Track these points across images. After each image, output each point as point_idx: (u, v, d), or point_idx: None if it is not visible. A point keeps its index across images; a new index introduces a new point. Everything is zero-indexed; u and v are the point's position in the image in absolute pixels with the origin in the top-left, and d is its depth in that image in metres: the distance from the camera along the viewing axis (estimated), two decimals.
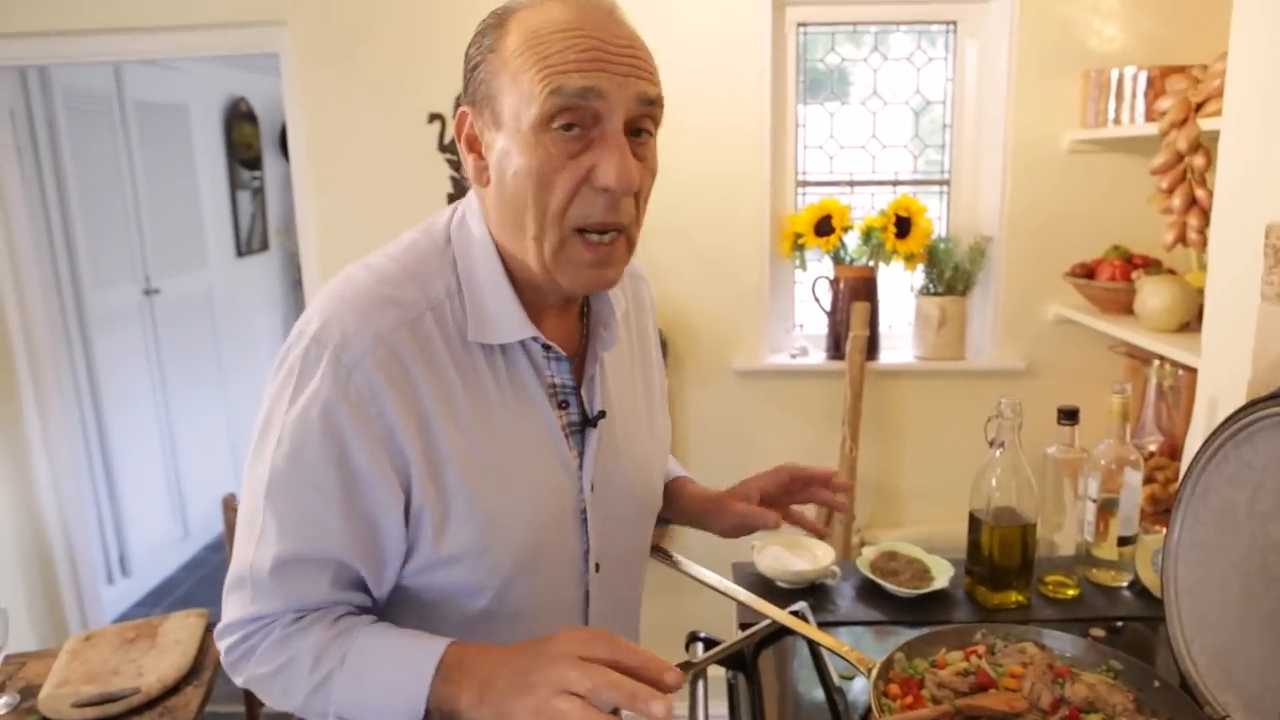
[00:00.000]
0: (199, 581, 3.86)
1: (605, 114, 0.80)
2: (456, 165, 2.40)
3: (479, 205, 0.91)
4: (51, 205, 3.21)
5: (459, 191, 2.41)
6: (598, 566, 1.00)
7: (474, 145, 0.87)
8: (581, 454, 0.96)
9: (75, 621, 3.00)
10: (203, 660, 1.71)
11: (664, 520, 1.22)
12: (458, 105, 2.41)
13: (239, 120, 4.50)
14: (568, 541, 0.96)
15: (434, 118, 2.38)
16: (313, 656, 0.84)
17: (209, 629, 1.82)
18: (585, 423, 0.96)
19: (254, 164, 4.69)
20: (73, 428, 3.26)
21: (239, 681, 0.90)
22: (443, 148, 2.39)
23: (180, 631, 1.75)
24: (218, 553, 4.04)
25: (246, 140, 4.59)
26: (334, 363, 0.82)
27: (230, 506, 1.95)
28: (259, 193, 4.76)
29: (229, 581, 0.89)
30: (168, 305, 3.86)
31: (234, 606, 0.88)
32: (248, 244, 4.63)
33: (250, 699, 1.96)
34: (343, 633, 0.85)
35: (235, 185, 4.48)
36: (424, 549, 0.87)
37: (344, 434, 0.82)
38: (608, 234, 0.84)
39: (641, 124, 0.84)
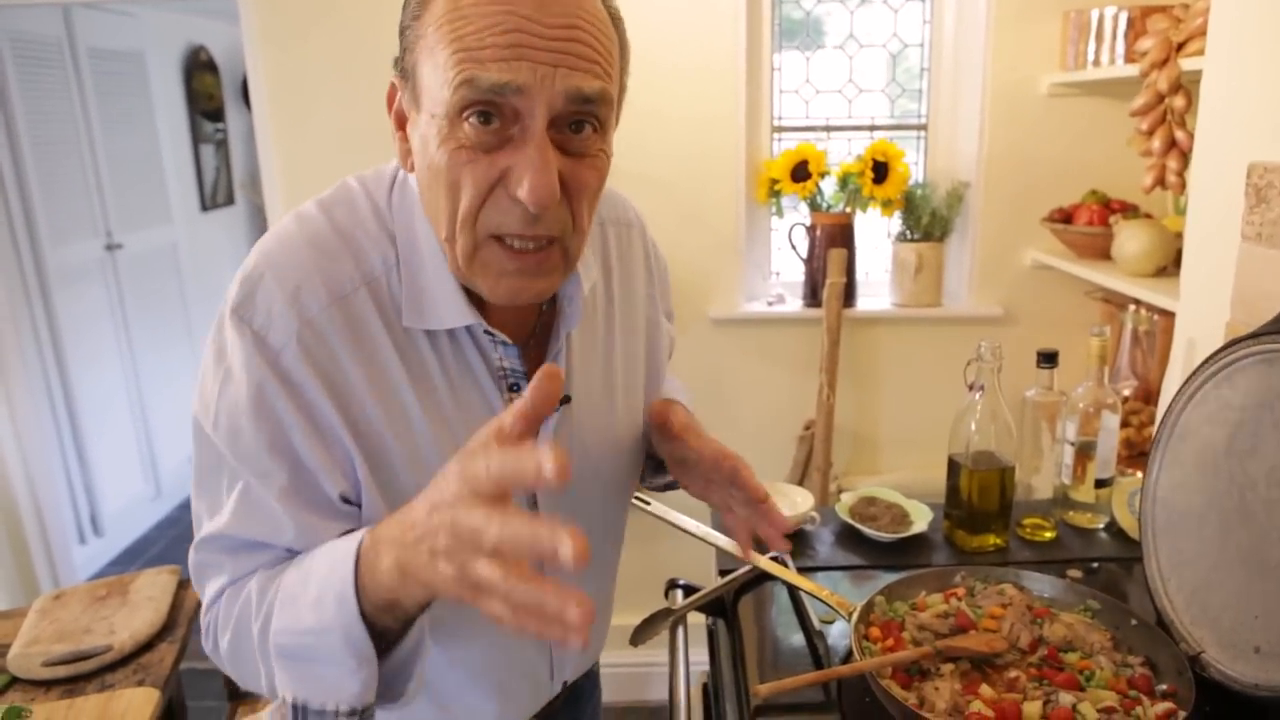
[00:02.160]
0: (172, 540, 3.83)
1: (525, 111, 0.69)
2: None
3: None
4: (3, 158, 3.11)
5: None
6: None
7: (401, 123, 0.78)
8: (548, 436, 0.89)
9: (47, 582, 2.97)
10: (176, 616, 1.69)
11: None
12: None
13: (199, 70, 4.37)
14: None
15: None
16: (254, 600, 0.76)
17: (182, 585, 1.79)
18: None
19: (216, 115, 4.57)
20: (36, 386, 3.19)
21: (226, 669, 0.83)
22: None
23: (152, 588, 1.73)
24: (190, 511, 4.00)
25: (208, 91, 4.46)
26: (259, 343, 0.75)
27: None
28: (222, 145, 4.64)
29: (196, 548, 0.82)
30: (131, 261, 3.77)
31: (204, 580, 0.83)
32: (212, 198, 4.53)
33: None
34: (279, 570, 0.77)
35: (197, 138, 4.37)
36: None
37: (279, 416, 0.75)
38: (530, 242, 0.73)
39: (579, 119, 0.72)
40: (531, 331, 0.89)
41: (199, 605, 1.74)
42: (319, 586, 0.68)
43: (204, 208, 4.44)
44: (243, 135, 4.75)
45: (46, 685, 1.48)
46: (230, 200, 4.74)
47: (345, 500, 0.79)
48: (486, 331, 0.82)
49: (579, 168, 0.73)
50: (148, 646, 1.59)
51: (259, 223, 4.86)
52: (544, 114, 0.69)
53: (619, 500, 1.03)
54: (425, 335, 0.81)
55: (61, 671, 1.49)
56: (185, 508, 4.09)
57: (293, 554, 0.78)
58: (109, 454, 3.64)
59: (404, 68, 0.74)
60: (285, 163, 2.39)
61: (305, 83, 2.34)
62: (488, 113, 0.68)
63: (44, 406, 3.26)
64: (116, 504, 3.68)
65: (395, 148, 0.79)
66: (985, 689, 0.94)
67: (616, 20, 0.76)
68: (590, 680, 1.17)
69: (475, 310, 0.80)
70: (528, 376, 0.86)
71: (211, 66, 4.49)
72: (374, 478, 0.79)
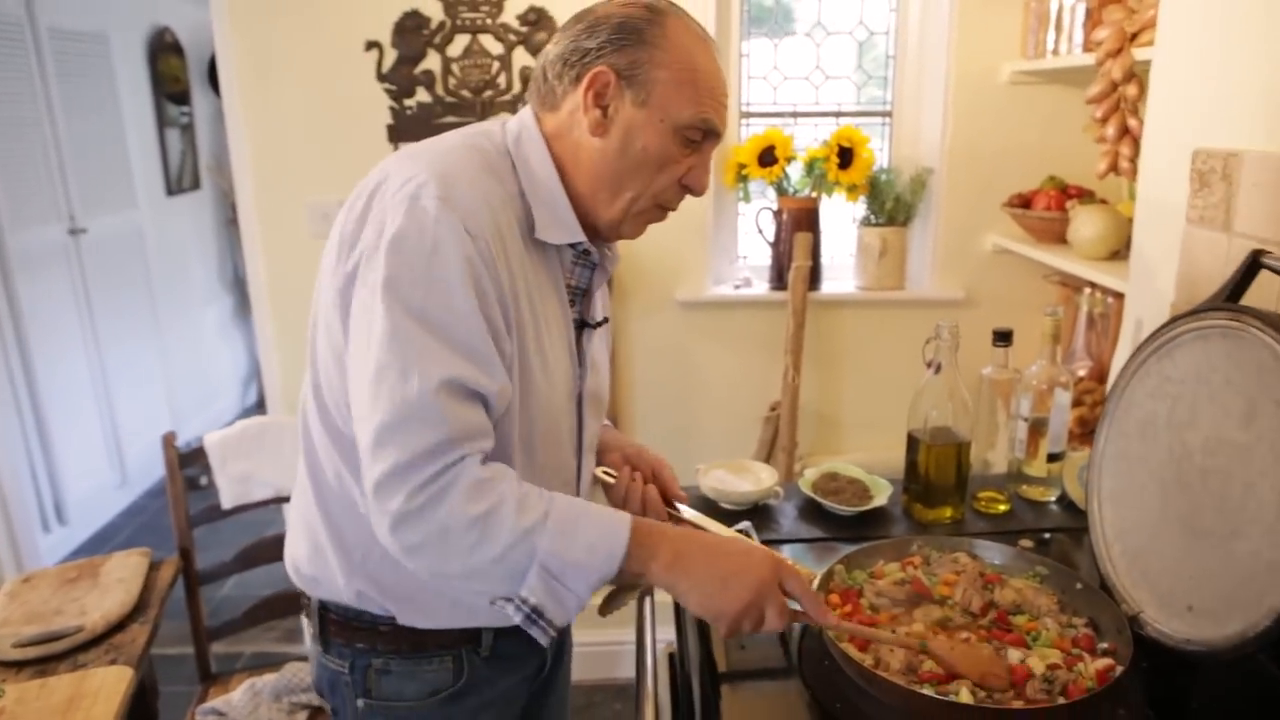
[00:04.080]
0: (140, 528, 3.80)
1: (711, 143, 1.05)
2: (396, 95, 2.34)
3: (539, 134, 1.04)
4: None
5: (399, 123, 2.35)
6: (586, 447, 1.16)
7: (600, 101, 1.00)
8: (580, 348, 1.11)
9: (11, 571, 2.94)
10: (148, 597, 1.69)
11: None
12: (397, 34, 2.31)
13: (164, 52, 4.31)
14: (570, 421, 1.11)
15: (371, 45, 2.31)
16: (515, 503, 0.90)
17: (153, 567, 1.80)
18: (583, 324, 1.12)
19: (182, 98, 4.51)
20: None
21: (415, 536, 0.89)
22: (381, 76, 2.33)
23: (123, 570, 1.73)
24: (158, 499, 3.98)
25: (173, 73, 4.41)
26: (460, 228, 0.91)
27: (171, 444, 1.92)
28: (188, 129, 4.59)
29: (377, 431, 0.89)
30: (95, 245, 3.73)
31: (397, 448, 0.88)
32: (178, 182, 4.48)
33: (199, 639, 1.96)
34: (533, 490, 0.93)
35: (163, 122, 4.31)
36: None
37: (484, 286, 0.93)
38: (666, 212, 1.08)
39: None
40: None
41: (171, 586, 1.76)
42: (594, 535, 0.92)
43: (169, 192, 4.39)
44: (208, 119, 4.70)
45: (18, 666, 1.49)
46: (196, 185, 4.69)
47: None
48: (585, 251, 1.08)
49: None
50: (119, 627, 1.59)
51: (226, 207, 4.82)
52: (716, 144, 1.06)
53: (603, 417, 1.25)
54: (538, 248, 1.03)
55: (32, 652, 1.50)
56: (153, 495, 4.07)
57: (484, 405, 0.94)
58: (73, 441, 3.60)
59: (635, 75, 0.99)
60: (254, 146, 2.39)
61: (274, 65, 2.33)
62: (698, 140, 1.02)
63: (6, 393, 3.23)
64: (81, 492, 3.65)
65: (588, 118, 1.00)
66: (937, 642, 0.99)
67: None
68: None
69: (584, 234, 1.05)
70: (582, 296, 1.12)
71: (177, 49, 4.44)
72: (510, 339, 0.98)
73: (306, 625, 1.16)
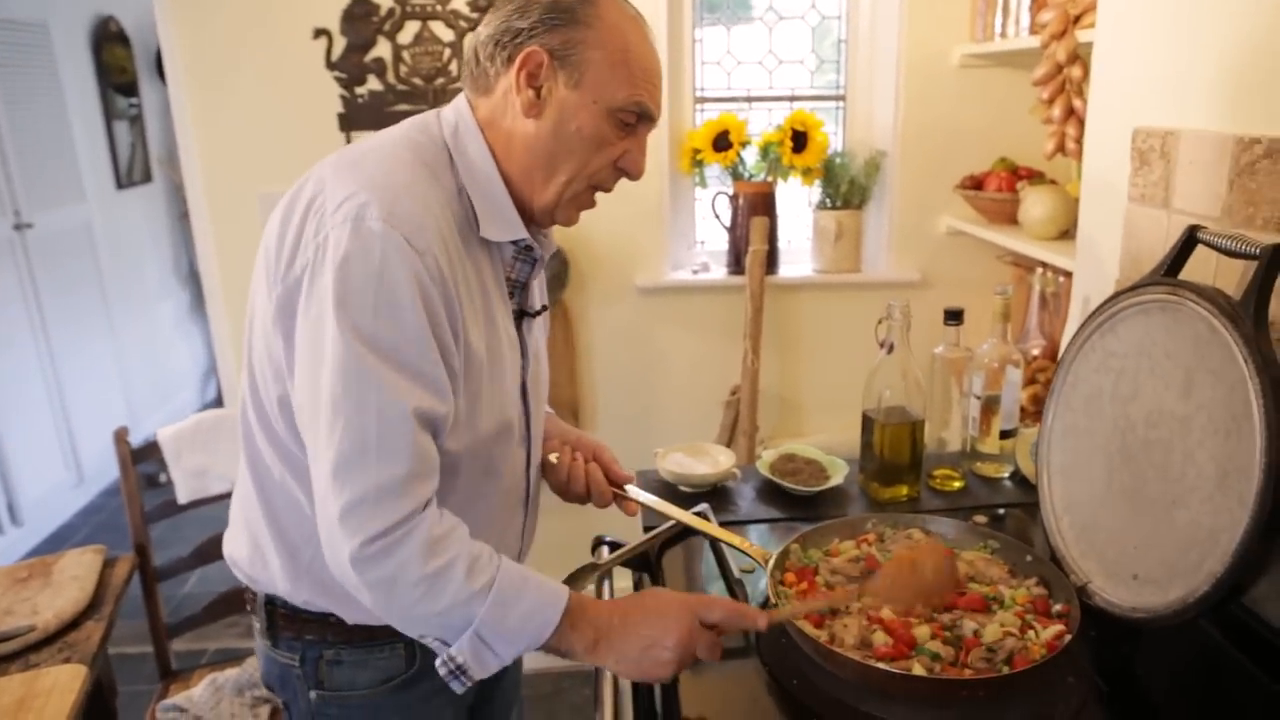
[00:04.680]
0: (97, 527, 3.74)
1: (645, 128, 1.04)
2: (347, 84, 2.31)
3: (475, 124, 1.02)
4: None
5: (350, 111, 2.32)
6: (534, 437, 1.16)
7: (533, 82, 0.98)
8: (521, 339, 1.10)
9: None
10: (103, 594, 1.67)
11: None
12: (345, 21, 2.28)
13: (109, 41, 4.22)
14: (519, 411, 1.11)
15: (320, 33, 2.27)
16: (466, 566, 0.91)
17: (108, 564, 1.77)
18: (523, 314, 1.11)
19: (130, 90, 4.42)
20: None
21: (365, 578, 0.89)
22: (330, 65, 2.30)
23: (77, 568, 1.70)
24: (115, 497, 3.91)
25: (119, 63, 4.31)
26: (407, 247, 0.89)
27: (123, 439, 1.89)
28: (137, 120, 4.50)
29: (336, 465, 0.88)
30: (43, 240, 3.65)
31: (358, 483, 0.88)
32: (128, 175, 4.39)
33: (159, 635, 1.94)
34: (484, 553, 0.94)
35: (111, 114, 4.22)
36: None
37: (434, 306, 0.91)
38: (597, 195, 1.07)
39: None
40: None
41: (126, 582, 1.73)
42: (532, 606, 0.93)
43: (120, 185, 4.30)
44: (158, 110, 4.60)
45: None
46: (148, 178, 4.60)
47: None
48: (527, 246, 1.06)
49: None
50: (73, 625, 1.57)
51: (179, 201, 4.73)
52: (651, 128, 1.04)
53: (545, 396, 1.25)
54: (481, 244, 1.02)
55: None
56: (110, 494, 4.00)
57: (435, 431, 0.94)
58: (26, 441, 3.52)
59: (567, 56, 0.97)
60: (203, 138, 2.35)
61: (221, 55, 2.29)
62: (632, 123, 1.00)
63: None
64: (35, 492, 3.58)
65: (520, 99, 0.98)
66: (886, 613, 1.01)
67: None
68: None
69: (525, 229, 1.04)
70: (521, 288, 1.11)
71: (123, 38, 4.34)
72: (460, 356, 0.96)
73: (254, 620, 1.15)
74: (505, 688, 1.32)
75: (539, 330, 1.18)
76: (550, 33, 0.97)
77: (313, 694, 1.10)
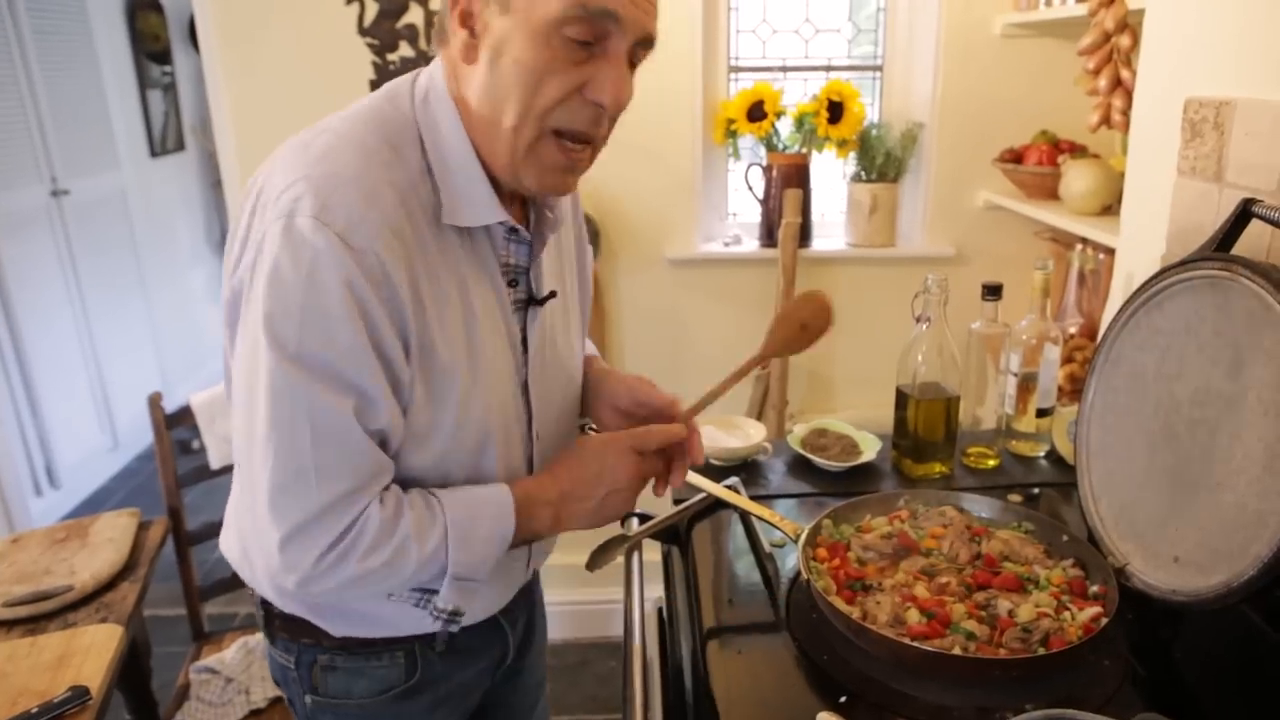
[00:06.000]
0: (132, 491, 3.81)
1: (615, 35, 0.83)
2: (379, 50, 2.30)
3: (445, 83, 0.89)
4: None
5: (382, 78, 2.31)
6: (537, 435, 1.04)
7: (467, 20, 0.84)
8: (524, 330, 1.00)
9: (3, 532, 2.94)
10: (138, 556, 1.69)
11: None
12: None
13: (143, 10, 4.23)
14: (516, 411, 1.01)
15: (351, 0, 2.26)
16: (415, 534, 0.88)
17: (142, 527, 1.80)
18: (530, 301, 1.00)
19: (163, 58, 4.44)
20: None
21: (323, 588, 0.86)
22: (363, 31, 2.28)
23: (112, 530, 1.73)
24: (149, 462, 3.97)
25: (153, 31, 4.33)
26: (344, 244, 0.80)
27: (157, 404, 1.91)
28: (170, 89, 4.52)
29: (272, 492, 0.83)
30: (79, 207, 3.69)
31: (297, 509, 0.83)
32: (162, 143, 4.42)
33: (191, 598, 1.97)
34: (426, 505, 0.90)
35: (144, 82, 4.24)
36: (409, 423, 0.90)
37: (371, 315, 0.82)
38: (580, 144, 0.87)
39: (635, 57, 0.87)
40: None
41: (160, 546, 1.76)
42: (489, 528, 0.92)
43: (153, 153, 4.34)
44: (192, 78, 4.62)
45: (9, 625, 1.49)
46: (181, 146, 4.63)
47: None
48: (513, 229, 0.94)
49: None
50: (109, 586, 1.59)
51: (212, 169, 4.76)
52: (628, 42, 0.84)
53: (575, 389, 1.14)
54: (455, 231, 0.90)
55: (22, 611, 1.50)
56: (145, 458, 4.06)
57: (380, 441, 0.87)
58: (63, 405, 3.59)
59: None
60: (236, 106, 2.35)
61: (254, 22, 2.28)
62: (580, 34, 0.81)
63: None
64: (73, 456, 3.64)
65: (456, 42, 0.85)
66: (920, 590, 1.00)
67: None
68: (534, 580, 1.28)
69: (504, 210, 0.91)
70: (525, 272, 0.99)
71: (156, 6, 4.35)
72: (420, 359, 0.87)
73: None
74: (521, 689, 1.27)
75: (556, 317, 1.06)
76: None
77: (308, 698, 1.05)
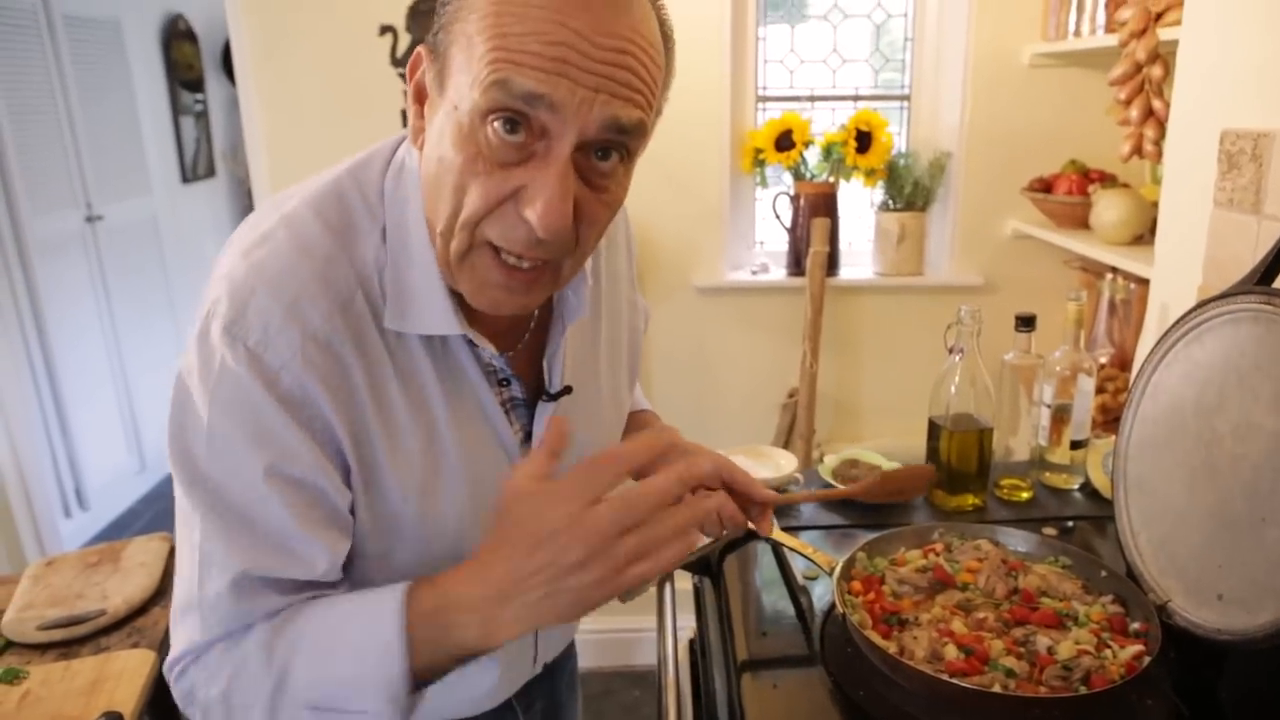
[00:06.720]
0: (159, 513, 3.83)
1: (554, 131, 0.64)
2: None
3: (418, 163, 0.75)
4: None
5: None
6: None
7: (421, 97, 0.72)
8: (528, 430, 0.87)
9: (33, 555, 2.97)
10: (169, 582, 1.70)
11: None
12: (411, 17, 2.32)
13: (178, 39, 4.32)
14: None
15: (385, 30, 2.30)
16: (263, 651, 0.71)
17: (173, 551, 1.81)
18: (538, 396, 0.87)
19: (196, 86, 4.52)
20: (18, 359, 3.18)
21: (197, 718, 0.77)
22: (395, 62, 2.32)
23: (144, 554, 1.74)
24: None
25: (187, 60, 4.42)
26: (255, 363, 0.69)
27: None
28: (203, 116, 4.60)
29: (177, 608, 0.76)
30: (112, 232, 3.75)
31: (184, 634, 0.76)
32: (193, 170, 4.49)
33: None
34: (288, 617, 0.73)
35: (177, 109, 4.32)
36: (357, 545, 0.79)
37: (281, 441, 0.70)
38: (527, 261, 0.70)
39: (608, 148, 0.67)
40: (529, 320, 0.88)
41: None
42: (358, 639, 0.69)
43: (185, 179, 4.41)
44: (223, 106, 4.70)
45: (42, 649, 1.50)
46: (211, 172, 4.71)
47: (351, 511, 0.78)
48: (470, 341, 0.79)
49: (595, 199, 0.69)
50: (141, 611, 1.60)
51: (242, 196, 4.83)
52: (573, 138, 0.64)
53: None
54: (418, 336, 0.77)
55: (56, 635, 1.51)
56: (170, 481, 4.08)
57: (303, 586, 0.75)
58: (93, 427, 3.63)
59: (436, 43, 0.68)
60: (269, 134, 2.39)
61: (289, 52, 2.32)
62: (514, 121, 0.64)
63: (26, 379, 3.25)
64: (101, 477, 3.68)
65: (410, 122, 0.74)
66: (957, 625, 0.98)
67: (669, 43, 0.72)
68: (565, 653, 1.19)
69: (462, 316, 0.77)
70: (521, 369, 0.86)
71: (190, 35, 4.44)
72: (361, 478, 0.76)
73: None
74: None
75: (577, 408, 0.90)
76: (437, 26, 0.68)
77: None
